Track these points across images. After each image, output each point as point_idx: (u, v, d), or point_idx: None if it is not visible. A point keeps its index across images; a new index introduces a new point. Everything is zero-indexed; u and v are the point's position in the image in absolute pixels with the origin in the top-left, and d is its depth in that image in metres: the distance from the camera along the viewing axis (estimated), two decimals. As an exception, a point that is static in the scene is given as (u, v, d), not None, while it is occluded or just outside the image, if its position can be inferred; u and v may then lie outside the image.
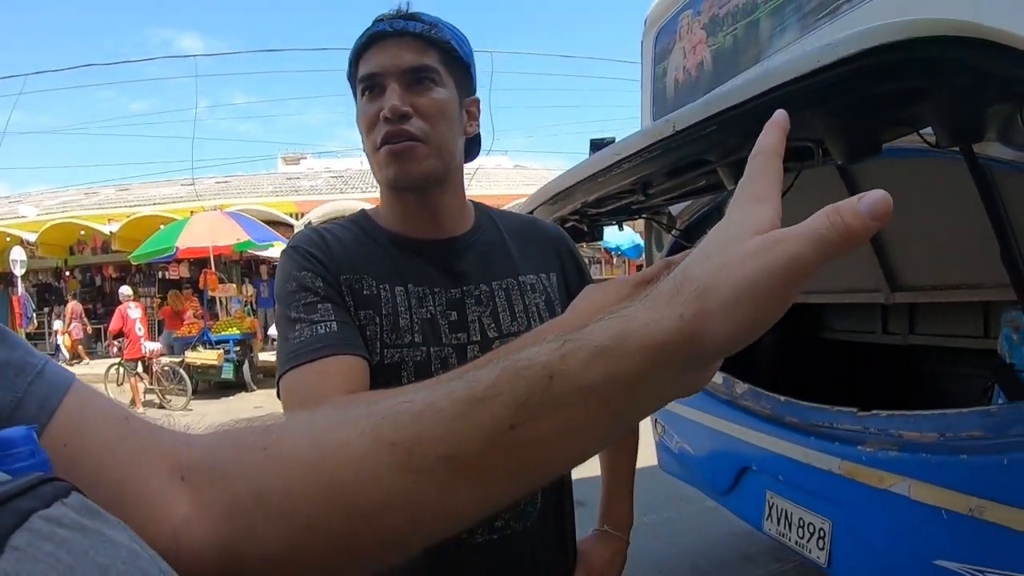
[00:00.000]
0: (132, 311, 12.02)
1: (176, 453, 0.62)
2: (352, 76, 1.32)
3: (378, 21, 1.28)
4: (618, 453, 1.60)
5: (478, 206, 1.44)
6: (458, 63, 1.31)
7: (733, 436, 3.36)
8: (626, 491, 1.59)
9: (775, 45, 3.08)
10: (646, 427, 4.10)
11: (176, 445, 0.63)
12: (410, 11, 1.28)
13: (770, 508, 3.11)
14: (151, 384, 11.88)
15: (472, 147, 1.41)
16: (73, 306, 18.13)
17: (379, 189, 1.35)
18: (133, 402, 11.45)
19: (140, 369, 11.78)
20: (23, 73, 32.78)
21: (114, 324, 12.09)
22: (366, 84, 1.26)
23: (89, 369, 15.57)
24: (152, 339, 12.74)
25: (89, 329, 18.63)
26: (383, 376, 1.18)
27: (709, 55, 3.56)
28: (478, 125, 1.39)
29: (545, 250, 1.45)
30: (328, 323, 1.16)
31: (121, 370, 12.23)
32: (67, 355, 17.33)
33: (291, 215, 18.91)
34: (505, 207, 1.47)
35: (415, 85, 1.24)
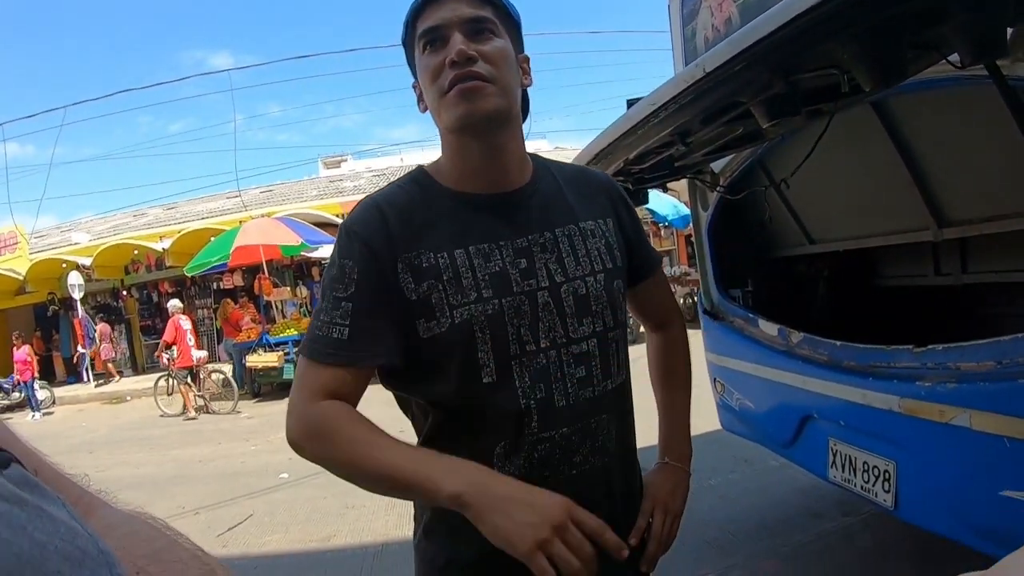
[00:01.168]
0: (183, 323, 12.48)
1: None
2: (408, 38, 1.38)
3: None
4: (674, 394, 1.67)
5: (535, 157, 1.49)
6: (509, 20, 1.37)
7: (792, 386, 3.34)
8: (684, 425, 1.65)
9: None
10: (706, 386, 4.11)
11: None
12: None
13: (833, 455, 3.11)
14: (199, 391, 12.31)
15: (525, 104, 1.45)
16: (102, 328, 18.70)
17: (441, 145, 1.39)
18: (185, 408, 11.98)
19: (189, 378, 12.22)
20: (63, 105, 33.49)
21: (167, 335, 12.51)
22: (428, 38, 1.31)
23: (119, 386, 16.08)
24: (201, 348, 13.10)
25: (118, 349, 19.43)
26: (457, 333, 1.26)
27: (736, 11, 3.51)
28: (531, 80, 1.44)
29: (599, 197, 1.50)
30: (342, 328, 1.25)
31: (171, 380, 12.72)
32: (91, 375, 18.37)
33: (338, 215, 19.04)
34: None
35: (476, 35, 1.29)
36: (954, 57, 1.75)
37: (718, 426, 4.35)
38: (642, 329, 1.78)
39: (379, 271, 1.28)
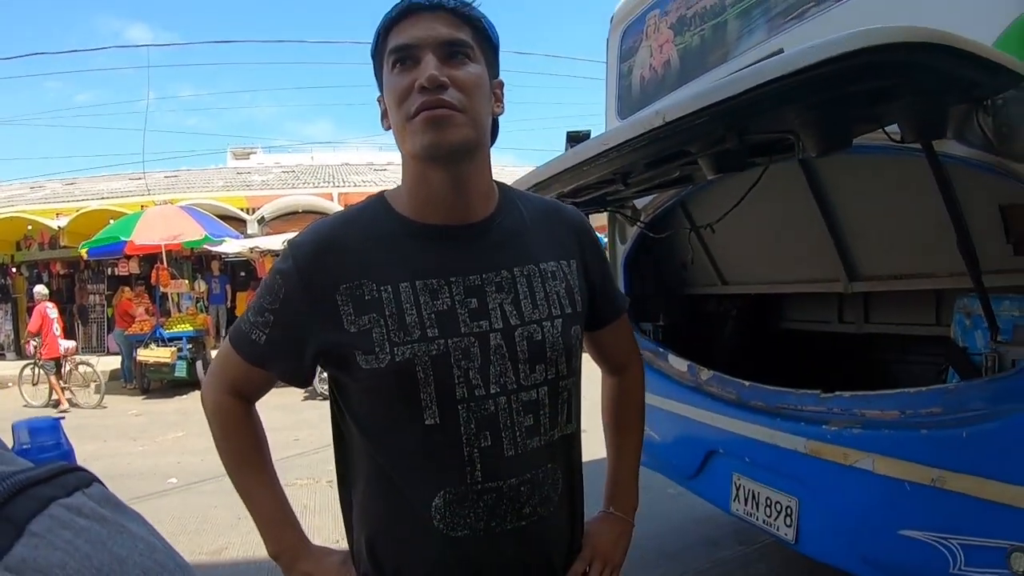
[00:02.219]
0: (50, 311, 11.95)
1: None
2: (378, 50, 1.31)
3: None
4: (625, 439, 1.65)
5: (502, 187, 1.43)
6: (488, 42, 1.32)
7: (699, 421, 3.47)
8: (632, 474, 1.63)
9: (743, 46, 3.20)
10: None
11: None
12: None
13: (737, 489, 3.24)
14: (64, 383, 11.81)
15: (494, 130, 1.39)
16: None
17: (402, 169, 1.34)
18: (57, 401, 11.43)
19: (56, 370, 11.74)
20: None
21: (33, 323, 12.01)
22: (399, 55, 1.24)
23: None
24: (68, 338, 12.69)
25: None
26: (397, 372, 1.24)
27: (676, 54, 3.66)
28: (503, 107, 1.38)
29: (566, 236, 1.44)
30: (261, 333, 1.31)
31: (37, 370, 12.22)
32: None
33: (243, 210, 18.67)
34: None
35: (450, 58, 1.23)
36: (891, 129, 1.89)
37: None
38: None
39: (309, 297, 1.28)
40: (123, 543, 0.42)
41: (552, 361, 1.32)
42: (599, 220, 4.62)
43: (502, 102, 1.38)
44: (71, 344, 12.35)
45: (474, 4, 1.29)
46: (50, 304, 12.24)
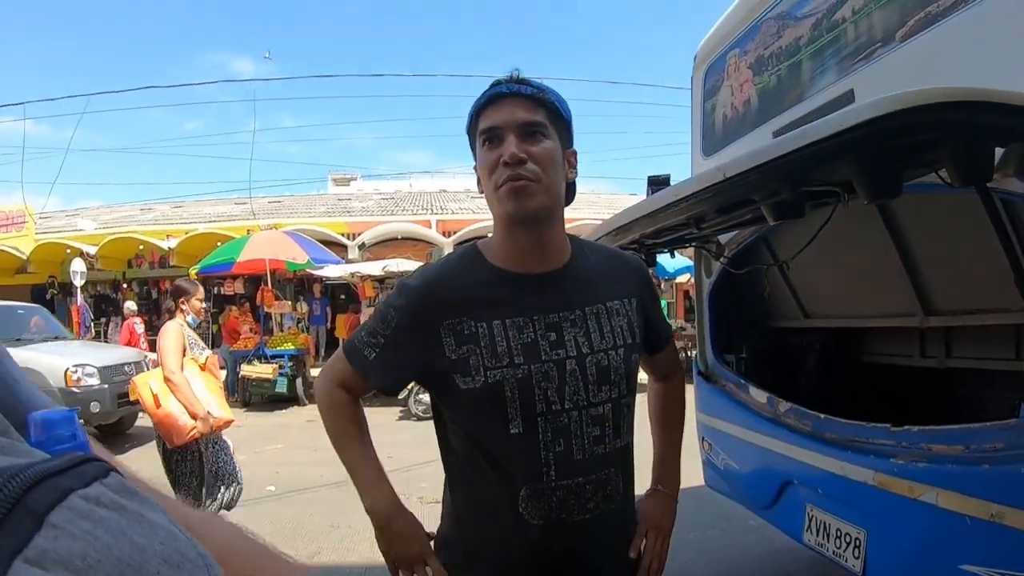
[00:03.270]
0: (137, 326, 12.94)
1: None
2: (472, 129, 1.62)
3: (496, 84, 1.57)
4: (669, 430, 1.96)
5: (573, 239, 1.70)
6: (561, 120, 1.59)
7: (776, 452, 3.53)
8: (675, 459, 1.93)
9: (816, 86, 3.28)
10: (693, 442, 4.25)
11: None
12: (521, 77, 1.58)
13: (809, 520, 3.29)
14: None
15: (570, 192, 1.67)
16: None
17: (493, 225, 1.65)
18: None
19: None
20: (87, 93, 33.93)
21: (122, 337, 13.06)
22: (487, 136, 1.55)
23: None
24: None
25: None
26: (489, 391, 1.53)
27: (755, 93, 3.77)
28: (576, 172, 1.67)
29: (627, 279, 1.73)
30: (371, 351, 1.63)
31: None
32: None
33: (344, 235, 19.19)
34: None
35: (528, 137, 1.52)
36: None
37: (701, 482, 4.49)
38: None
39: (416, 331, 1.58)
40: (143, 532, 0.42)
41: (615, 383, 1.60)
42: (688, 251, 4.72)
43: (575, 169, 1.67)
44: (154, 356, 12.89)
45: (547, 90, 1.58)
46: (138, 319, 13.27)
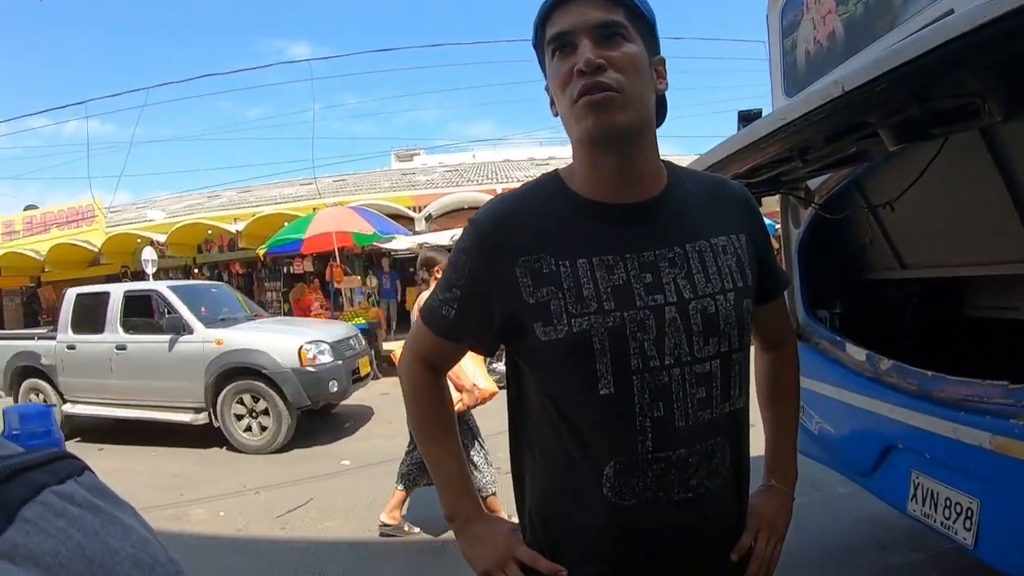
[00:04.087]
0: None
1: None
2: (538, 41, 1.37)
3: None
4: (783, 413, 1.68)
5: (669, 165, 1.44)
6: (643, 20, 1.32)
7: (877, 414, 3.25)
8: (791, 447, 1.68)
9: (910, 9, 2.94)
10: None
11: None
12: None
13: (915, 488, 3.02)
14: None
15: (661, 108, 1.41)
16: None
17: (573, 151, 1.39)
18: None
19: None
20: (146, 87, 34.87)
21: None
22: (556, 44, 1.30)
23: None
24: None
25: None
26: (574, 343, 1.28)
27: (840, 25, 3.45)
28: (666, 84, 1.40)
29: (734, 211, 1.46)
30: (450, 308, 1.41)
31: None
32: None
33: (410, 208, 19.26)
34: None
35: (605, 41, 1.26)
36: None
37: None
38: None
39: (490, 270, 1.34)
40: (116, 534, 0.42)
41: (725, 334, 1.33)
42: (770, 205, 4.46)
43: (665, 79, 1.39)
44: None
45: None
46: None
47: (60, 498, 0.41)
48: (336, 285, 15.18)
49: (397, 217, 17.76)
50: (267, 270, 20.67)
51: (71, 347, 9.66)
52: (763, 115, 2.92)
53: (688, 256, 1.34)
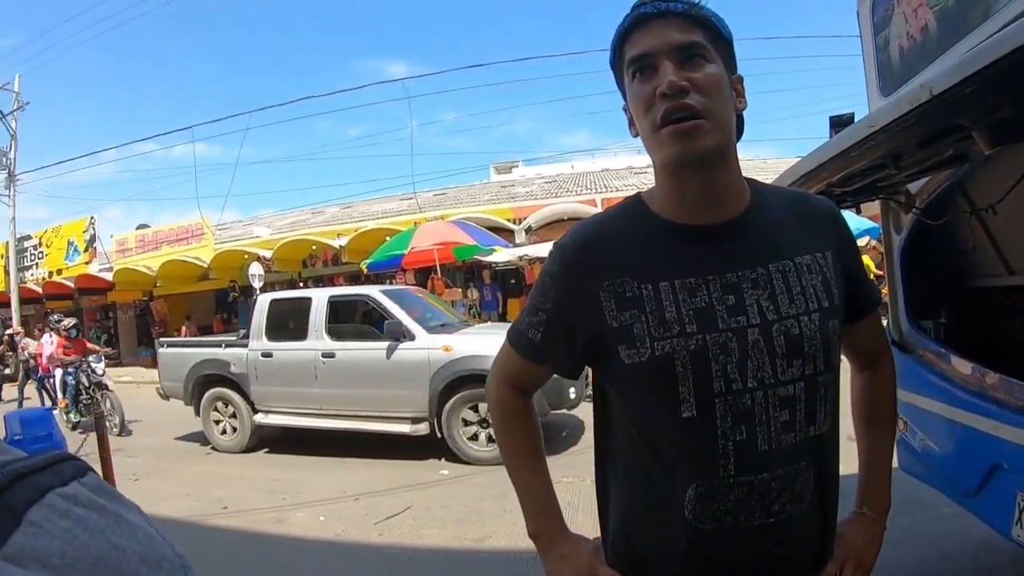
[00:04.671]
0: None
1: None
2: (616, 62, 1.36)
3: (639, 5, 1.29)
4: (878, 435, 1.61)
5: (752, 183, 1.42)
6: (721, 40, 1.31)
7: (983, 431, 3.05)
8: (885, 473, 1.58)
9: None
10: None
11: None
12: None
13: (1020, 512, 2.83)
14: None
15: (739, 125, 1.38)
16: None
17: (654, 172, 1.38)
18: None
19: None
20: (248, 111, 36.47)
21: None
22: (637, 65, 1.28)
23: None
24: None
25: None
26: (656, 364, 1.28)
27: (932, 17, 3.27)
28: (745, 102, 1.37)
29: (819, 227, 1.41)
30: (536, 332, 1.43)
31: None
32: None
33: (510, 220, 19.42)
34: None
35: (687, 62, 1.24)
36: None
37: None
38: None
39: (575, 293, 1.36)
40: (122, 532, 0.43)
41: (809, 356, 1.30)
42: (872, 208, 4.27)
43: (744, 97, 1.37)
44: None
45: (702, 4, 1.30)
46: None
47: (64, 499, 0.41)
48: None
49: (497, 229, 17.96)
50: (370, 284, 21.14)
51: (267, 355, 9.28)
52: (855, 119, 2.81)
53: (772, 277, 1.32)
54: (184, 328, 22.24)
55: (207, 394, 9.93)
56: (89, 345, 13.45)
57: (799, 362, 1.28)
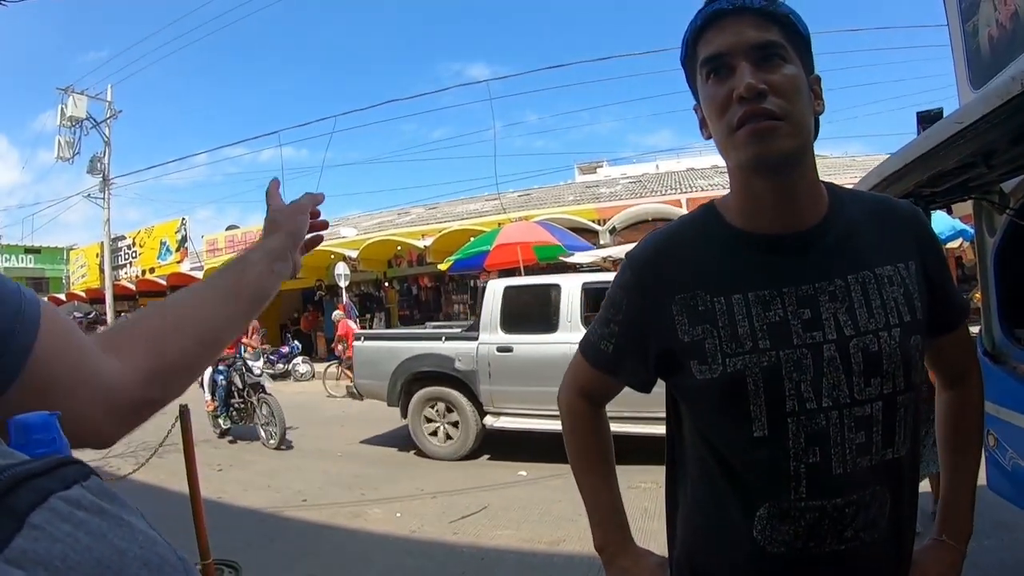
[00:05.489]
0: (351, 324, 15.52)
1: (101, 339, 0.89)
2: (688, 60, 1.31)
3: (712, 1, 1.24)
4: (962, 458, 1.52)
5: (831, 188, 1.36)
6: (799, 38, 1.25)
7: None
8: (968, 498, 1.49)
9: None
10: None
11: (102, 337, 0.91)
12: None
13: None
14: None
15: (815, 128, 1.32)
16: (254, 325, 21.66)
17: (728, 178, 1.33)
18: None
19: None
20: (333, 115, 37.39)
21: (341, 331, 15.88)
22: (711, 65, 1.23)
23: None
24: None
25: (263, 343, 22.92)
26: (728, 383, 1.24)
27: (1022, 2, 3.12)
28: (823, 104, 1.31)
29: (902, 235, 1.34)
30: (608, 343, 1.41)
31: (339, 367, 16.42)
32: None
33: (594, 221, 19.35)
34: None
35: (764, 62, 1.19)
36: None
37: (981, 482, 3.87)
38: None
39: (647, 306, 1.33)
40: (123, 536, 0.43)
41: (889, 374, 1.24)
42: (964, 209, 4.10)
43: (822, 99, 1.31)
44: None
45: (779, 2, 1.24)
46: (349, 320, 16.17)
47: (67, 503, 0.42)
48: (524, 298, 15.44)
49: (581, 230, 17.87)
50: (454, 283, 21.40)
51: (505, 349, 8.21)
52: (943, 114, 2.70)
53: (850, 289, 1.26)
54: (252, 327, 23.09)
55: (418, 393, 8.80)
56: (245, 340, 11.85)
57: (877, 380, 1.23)
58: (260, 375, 10.50)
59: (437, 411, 8.69)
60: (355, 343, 9.76)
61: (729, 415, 1.25)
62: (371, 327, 21.97)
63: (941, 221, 14.60)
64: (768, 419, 1.22)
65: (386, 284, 23.01)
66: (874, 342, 1.23)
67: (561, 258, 16.02)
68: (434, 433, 8.68)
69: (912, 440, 1.30)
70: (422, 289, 22.55)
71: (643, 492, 5.91)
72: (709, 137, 1.31)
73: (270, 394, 10.12)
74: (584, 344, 1.49)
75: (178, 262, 26.69)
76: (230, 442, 9.53)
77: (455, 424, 8.60)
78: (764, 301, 1.24)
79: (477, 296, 18.80)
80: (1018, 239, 3.67)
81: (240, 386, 10.42)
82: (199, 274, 24.58)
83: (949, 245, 16.60)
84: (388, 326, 22.44)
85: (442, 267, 16.73)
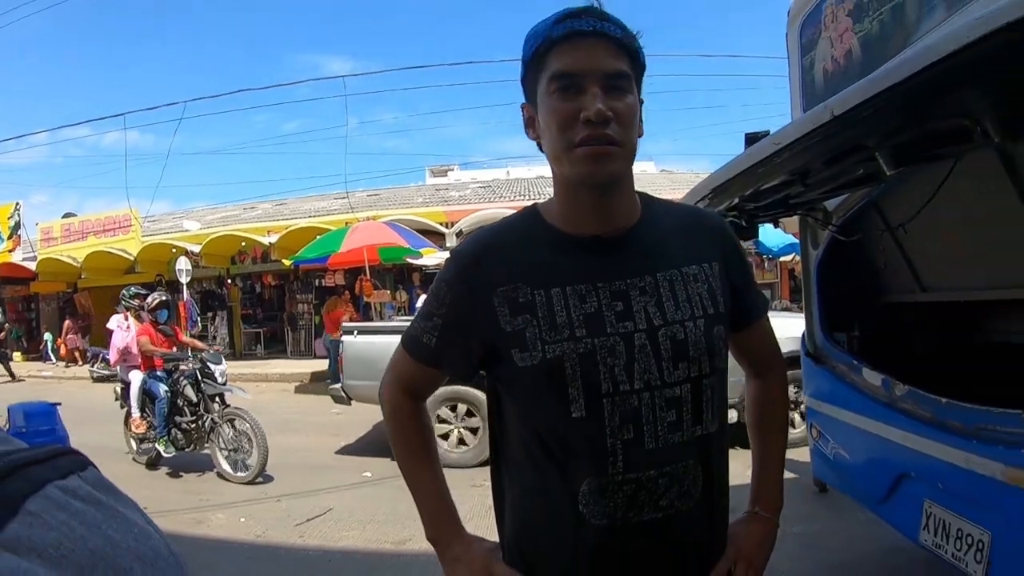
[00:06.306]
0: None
1: None
2: (533, 63, 1.35)
3: (572, 16, 1.29)
4: (770, 439, 1.65)
5: (643, 197, 1.48)
6: (639, 68, 1.35)
7: (891, 440, 3.20)
8: (776, 474, 1.64)
9: (923, 28, 2.91)
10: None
11: None
12: (602, 9, 1.31)
13: (927, 518, 2.97)
14: None
15: None
16: (68, 323, 22.45)
17: (553, 183, 1.43)
18: None
19: None
20: (183, 100, 35.59)
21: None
22: (563, 83, 1.28)
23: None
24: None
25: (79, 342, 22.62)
26: (548, 368, 1.33)
27: (856, 43, 3.43)
28: (642, 130, 1.41)
29: (707, 240, 1.47)
30: (431, 336, 1.46)
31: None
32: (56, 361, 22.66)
33: (442, 224, 19.38)
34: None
35: (612, 91, 1.27)
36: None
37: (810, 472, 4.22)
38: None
39: (470, 300, 1.40)
40: (118, 527, 0.43)
41: (695, 359, 1.36)
42: (794, 225, 4.41)
43: (642, 123, 1.41)
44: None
45: (629, 30, 1.33)
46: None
47: (62, 492, 0.42)
48: (366, 299, 15.29)
49: (428, 233, 17.89)
50: (299, 283, 20.93)
51: None
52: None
53: (659, 284, 1.37)
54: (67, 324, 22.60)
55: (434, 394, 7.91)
56: (184, 339, 8.91)
57: (684, 365, 1.35)
58: (224, 382, 7.80)
59: (456, 414, 7.79)
60: (346, 338, 8.32)
61: (549, 398, 1.34)
62: (213, 326, 21.23)
63: (776, 236, 15.57)
64: (585, 400, 1.31)
65: (229, 281, 22.16)
66: (680, 331, 1.35)
67: (407, 259, 16.01)
68: (445, 436, 7.72)
69: (719, 419, 1.42)
70: (266, 287, 21.90)
71: (486, 490, 5.91)
72: (535, 138, 1.41)
73: (240, 409, 7.53)
74: (406, 338, 1.53)
75: (10, 251, 24.71)
76: (170, 474, 7.83)
77: (472, 430, 7.70)
78: (581, 295, 1.35)
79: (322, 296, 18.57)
80: (838, 252, 4.01)
81: (193, 399, 7.74)
82: (32, 265, 22.94)
83: (783, 258, 17.68)
84: (230, 326, 21.72)
85: (286, 262, 16.30)
